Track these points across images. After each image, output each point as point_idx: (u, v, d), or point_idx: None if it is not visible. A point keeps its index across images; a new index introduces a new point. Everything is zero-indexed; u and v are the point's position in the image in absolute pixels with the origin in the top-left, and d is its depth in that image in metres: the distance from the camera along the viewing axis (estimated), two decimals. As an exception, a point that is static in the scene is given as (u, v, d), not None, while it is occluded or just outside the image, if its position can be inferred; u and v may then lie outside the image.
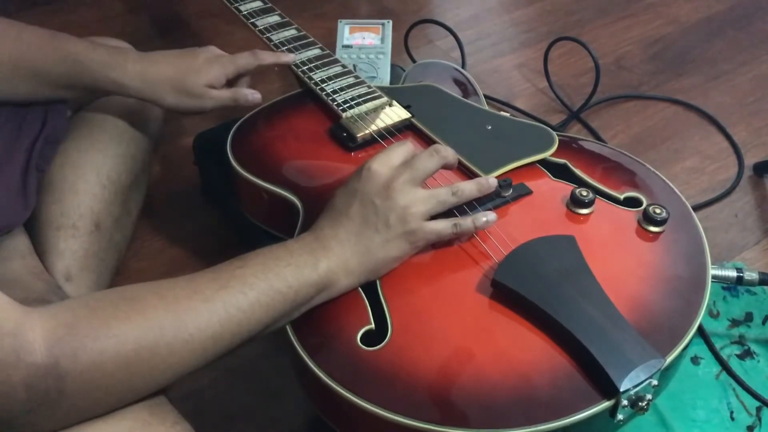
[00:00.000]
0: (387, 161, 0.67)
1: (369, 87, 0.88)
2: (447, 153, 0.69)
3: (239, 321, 0.58)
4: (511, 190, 0.75)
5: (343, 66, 0.91)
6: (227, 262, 0.61)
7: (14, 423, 0.50)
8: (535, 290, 0.63)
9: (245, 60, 0.88)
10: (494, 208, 0.73)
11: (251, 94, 0.88)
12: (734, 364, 0.84)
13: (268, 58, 0.90)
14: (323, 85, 0.87)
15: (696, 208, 1.01)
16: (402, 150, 0.69)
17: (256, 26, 0.96)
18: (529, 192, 0.76)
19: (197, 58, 0.86)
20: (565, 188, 0.75)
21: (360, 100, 0.85)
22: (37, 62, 0.81)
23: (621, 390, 0.57)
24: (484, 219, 0.68)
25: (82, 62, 0.82)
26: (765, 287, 0.89)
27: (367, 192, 0.65)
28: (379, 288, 0.66)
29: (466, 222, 0.68)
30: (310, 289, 0.62)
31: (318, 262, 0.63)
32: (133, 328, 0.53)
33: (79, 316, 0.52)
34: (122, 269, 0.95)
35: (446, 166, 0.70)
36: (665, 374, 0.61)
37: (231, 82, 0.88)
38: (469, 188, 0.70)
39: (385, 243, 0.65)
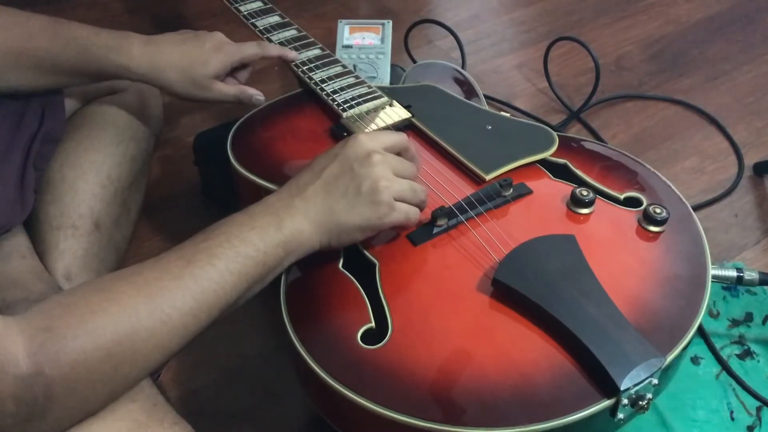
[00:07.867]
0: (376, 138, 0.67)
1: (369, 87, 0.87)
2: (424, 193, 0.69)
3: (214, 292, 0.58)
4: (512, 190, 0.75)
5: (344, 66, 0.91)
6: (191, 239, 0.61)
7: None
8: (535, 289, 0.63)
9: (251, 50, 0.88)
10: (495, 208, 0.73)
11: (255, 96, 0.88)
12: (734, 364, 0.84)
13: (273, 50, 0.90)
14: (323, 85, 0.87)
15: (696, 208, 1.01)
16: (395, 137, 0.69)
17: (256, 26, 0.96)
18: (529, 192, 0.76)
19: (204, 46, 0.85)
20: (566, 188, 0.75)
21: (360, 99, 0.85)
22: (41, 49, 0.80)
23: (621, 389, 0.57)
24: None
25: (86, 47, 0.81)
26: (765, 287, 0.90)
27: (347, 156, 0.65)
28: (379, 286, 0.66)
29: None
30: (278, 250, 0.62)
31: (282, 222, 0.63)
32: (108, 318, 0.53)
33: (54, 317, 0.52)
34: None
35: (417, 199, 0.69)
36: (665, 373, 0.61)
37: (233, 70, 0.89)
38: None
39: (350, 208, 0.65)
